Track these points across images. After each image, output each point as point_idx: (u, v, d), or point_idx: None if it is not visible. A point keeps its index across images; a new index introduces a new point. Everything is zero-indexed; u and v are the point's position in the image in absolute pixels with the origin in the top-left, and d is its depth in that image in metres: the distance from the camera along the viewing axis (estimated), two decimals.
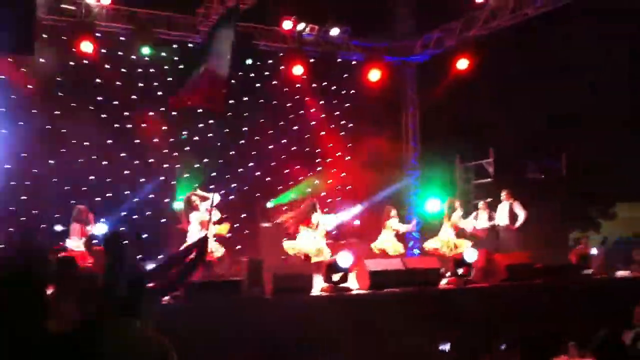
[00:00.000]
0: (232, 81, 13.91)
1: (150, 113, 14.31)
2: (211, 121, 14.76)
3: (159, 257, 11.64)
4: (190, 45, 14.68)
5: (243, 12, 13.18)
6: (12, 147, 12.81)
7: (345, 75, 16.78)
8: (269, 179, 15.51)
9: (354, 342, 8.61)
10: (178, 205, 12.66)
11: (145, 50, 13.81)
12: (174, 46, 14.58)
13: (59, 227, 11.07)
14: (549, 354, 7.81)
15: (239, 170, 15.17)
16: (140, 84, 14.35)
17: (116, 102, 14.05)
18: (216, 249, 10.14)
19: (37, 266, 4.00)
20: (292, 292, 9.38)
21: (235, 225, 13.31)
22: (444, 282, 10.95)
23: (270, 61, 15.84)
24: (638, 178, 15.98)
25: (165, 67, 14.42)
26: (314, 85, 16.23)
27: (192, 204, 10.33)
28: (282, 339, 8.27)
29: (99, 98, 13.89)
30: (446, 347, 8.76)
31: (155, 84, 14.44)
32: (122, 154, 13.87)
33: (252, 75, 15.52)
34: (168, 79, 14.44)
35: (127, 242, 5.13)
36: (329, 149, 16.43)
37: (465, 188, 16.84)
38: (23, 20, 6.70)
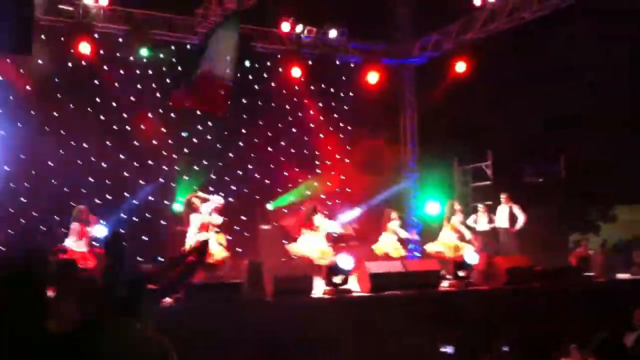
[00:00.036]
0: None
1: (149, 114, 14.28)
2: (210, 123, 14.75)
3: (158, 258, 11.63)
4: (188, 46, 14.67)
5: (241, 14, 13.18)
6: (11, 149, 12.76)
7: (343, 78, 16.78)
8: (268, 181, 15.48)
9: (355, 344, 8.60)
10: (177, 207, 12.62)
11: (144, 52, 13.77)
12: (172, 47, 14.55)
13: (58, 229, 10.99)
14: (550, 355, 7.78)
15: (238, 172, 15.12)
16: (139, 86, 14.30)
17: (115, 104, 14.00)
18: (218, 252, 10.09)
19: (37, 267, 3.96)
20: (293, 294, 9.36)
21: (235, 228, 13.30)
22: (445, 284, 10.94)
23: (268, 63, 15.82)
24: (638, 180, 15.97)
25: (164, 68, 14.40)
26: (312, 87, 16.20)
27: (193, 205, 10.28)
28: (282, 340, 8.25)
29: (97, 99, 13.85)
30: (449, 349, 8.72)
31: (154, 85, 14.42)
32: (121, 156, 13.83)
33: (250, 77, 15.51)
34: (166, 81, 14.43)
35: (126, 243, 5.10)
36: (327, 151, 16.41)
37: (463, 191, 16.84)
38: (21, 21, 6.67)
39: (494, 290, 10.86)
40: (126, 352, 3.67)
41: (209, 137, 14.87)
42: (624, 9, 14.47)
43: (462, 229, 12.44)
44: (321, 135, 16.36)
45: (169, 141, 14.44)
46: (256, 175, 15.45)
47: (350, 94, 16.82)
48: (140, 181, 13.94)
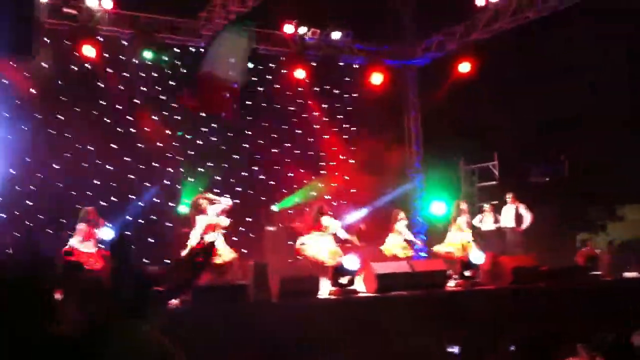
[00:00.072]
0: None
1: (154, 117, 14.30)
2: (214, 125, 14.77)
3: (164, 260, 11.63)
4: (192, 49, 14.70)
5: (245, 16, 13.23)
6: (17, 152, 12.78)
7: (347, 79, 16.80)
8: (272, 182, 15.49)
9: (361, 344, 8.58)
10: (183, 209, 12.63)
11: (148, 55, 13.80)
12: (176, 50, 14.57)
13: (64, 231, 11.00)
14: (557, 355, 7.76)
15: (243, 174, 15.13)
16: (143, 88, 14.33)
17: (119, 106, 14.03)
18: (226, 254, 10.09)
19: (43, 270, 3.96)
20: (299, 295, 9.35)
21: (240, 229, 13.30)
22: (451, 284, 10.93)
23: (272, 65, 15.84)
24: None
25: (168, 71, 14.43)
26: (316, 88, 16.21)
27: (200, 207, 10.27)
28: (289, 341, 8.23)
29: (101, 102, 13.88)
30: (455, 350, 8.70)
31: (158, 88, 14.44)
32: (126, 158, 13.85)
33: (254, 79, 15.52)
34: (170, 83, 14.46)
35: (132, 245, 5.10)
36: (331, 152, 16.42)
37: (469, 191, 16.84)
38: (21, 21, 6.66)
39: (500, 290, 10.83)
40: (133, 354, 3.67)
41: (213, 138, 14.88)
42: (624, 9, 14.44)
43: (465, 229, 12.44)
44: (325, 137, 16.36)
45: (174, 143, 14.47)
46: (261, 176, 15.45)
47: (354, 95, 16.83)
48: (146, 183, 13.97)
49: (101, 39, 13.53)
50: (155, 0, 14.06)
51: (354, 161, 16.52)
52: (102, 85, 13.88)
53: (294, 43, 15.34)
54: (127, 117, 14.12)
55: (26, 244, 12.14)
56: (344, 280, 9.88)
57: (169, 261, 11.64)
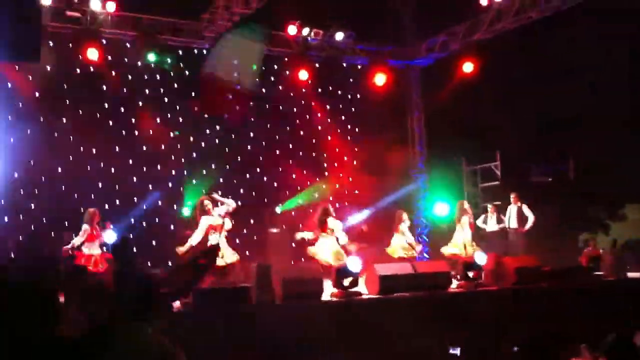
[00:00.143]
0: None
1: (157, 119, 14.34)
2: (217, 127, 14.81)
3: (168, 263, 11.66)
4: (195, 51, 14.73)
5: (248, 17, 13.24)
6: (21, 156, 12.82)
7: (350, 80, 16.81)
8: (276, 184, 15.51)
9: (364, 346, 8.59)
10: (186, 211, 12.67)
11: (151, 57, 13.83)
12: (180, 52, 14.60)
13: (67, 235, 11.03)
14: (560, 356, 7.76)
15: (246, 176, 15.15)
16: (147, 91, 14.37)
17: (122, 109, 14.07)
18: (229, 255, 10.11)
19: (47, 273, 3.99)
20: (302, 297, 9.36)
21: (243, 231, 13.33)
22: (454, 285, 10.93)
23: (275, 66, 15.86)
24: None
25: (172, 73, 14.46)
26: (319, 90, 16.22)
27: (204, 207, 10.31)
28: (291, 343, 8.24)
29: (105, 105, 13.92)
30: (456, 351, 8.71)
31: (162, 90, 14.48)
32: (130, 161, 13.90)
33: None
34: (174, 85, 14.50)
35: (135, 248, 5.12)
36: (335, 153, 16.43)
37: (472, 191, 16.82)
38: (29, 28, 6.70)
39: (503, 290, 10.84)
40: (134, 356, 3.69)
41: (216, 140, 14.91)
42: (631, 9, 14.42)
43: (467, 229, 12.44)
44: (328, 138, 16.37)
45: (177, 146, 14.50)
46: (264, 178, 15.48)
47: (357, 96, 16.85)
48: (149, 186, 13.99)
49: (104, 42, 13.56)
50: (158, 2, 14.08)
51: (356, 162, 16.53)
52: (106, 88, 13.91)
53: (297, 44, 15.35)
54: (131, 119, 14.16)
55: (29, 246, 12.18)
56: (346, 282, 9.90)
57: (171, 264, 11.67)
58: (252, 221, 14.43)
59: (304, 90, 15.96)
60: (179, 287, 4.93)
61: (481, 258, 11.18)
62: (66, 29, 13.19)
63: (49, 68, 13.10)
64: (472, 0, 14.62)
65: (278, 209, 14.68)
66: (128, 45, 14.00)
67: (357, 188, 16.17)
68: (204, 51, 14.65)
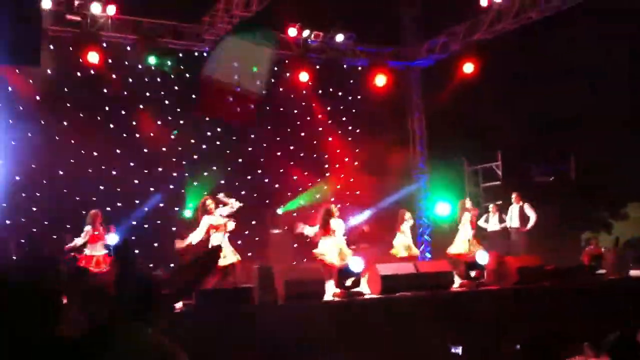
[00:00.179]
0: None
1: (158, 122, 14.37)
2: (219, 129, 14.82)
3: (169, 264, 11.68)
4: (195, 53, 14.75)
5: (249, 20, 13.26)
6: (22, 158, 12.84)
7: (350, 81, 16.81)
8: (277, 185, 15.52)
9: (366, 346, 8.60)
10: (187, 213, 12.68)
11: (151, 60, 13.85)
12: (180, 55, 14.62)
13: (69, 237, 11.05)
14: (563, 355, 7.76)
15: (247, 177, 15.16)
16: (147, 93, 14.38)
17: (123, 112, 14.09)
18: (230, 255, 10.13)
19: (48, 274, 3.99)
20: (305, 298, 9.36)
21: (245, 232, 13.33)
22: (456, 284, 10.94)
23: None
24: None
25: (172, 75, 14.48)
26: (319, 91, 16.24)
27: (207, 207, 10.34)
28: (292, 343, 8.24)
29: (106, 108, 13.94)
30: (458, 350, 8.72)
31: (162, 92, 14.50)
32: (131, 163, 13.91)
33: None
34: (175, 88, 14.52)
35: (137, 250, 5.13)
36: (336, 154, 16.44)
37: (474, 191, 16.82)
38: (29, 32, 6.71)
39: (505, 290, 10.83)
40: (137, 357, 3.70)
41: (218, 142, 14.92)
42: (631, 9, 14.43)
43: (468, 228, 12.45)
44: (329, 139, 16.38)
45: (178, 148, 14.52)
46: (265, 179, 15.49)
47: (358, 97, 16.84)
48: (150, 188, 14.01)
49: (105, 45, 13.58)
50: (158, 5, 14.11)
51: (357, 163, 16.53)
52: (106, 91, 13.93)
53: (297, 46, 15.37)
54: (131, 121, 14.18)
55: (31, 249, 12.19)
56: (348, 282, 9.90)
57: (173, 265, 11.69)
58: (253, 222, 14.43)
59: (304, 91, 15.98)
60: (180, 288, 4.94)
61: (483, 257, 11.18)
62: (66, 32, 13.21)
63: (49, 71, 13.10)
64: (472, 1, 14.64)
65: (279, 211, 14.68)
66: (128, 48, 14.01)
67: (358, 189, 16.17)
68: (205, 54, 14.67)
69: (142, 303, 4.03)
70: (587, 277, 11.66)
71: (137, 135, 14.23)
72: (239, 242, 11.19)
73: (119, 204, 13.50)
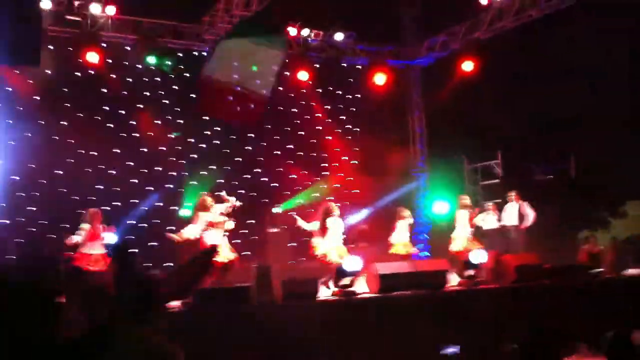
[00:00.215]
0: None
1: (157, 121, 14.38)
2: (218, 128, 14.83)
3: (167, 264, 11.69)
4: (195, 53, 14.76)
5: (248, 19, 13.27)
6: (21, 158, 12.85)
7: (350, 80, 16.82)
8: (276, 184, 15.53)
9: (365, 345, 8.62)
10: (185, 212, 12.70)
11: (151, 60, 13.87)
12: (180, 55, 14.64)
13: (67, 237, 11.05)
14: (560, 354, 7.78)
15: (246, 176, 15.17)
16: (147, 93, 14.40)
17: (123, 112, 14.11)
18: (227, 253, 10.16)
19: (47, 274, 4.02)
20: (302, 298, 9.39)
21: (243, 231, 13.35)
22: (454, 283, 10.96)
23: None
24: None
25: (171, 75, 14.50)
26: (319, 90, 16.24)
27: (205, 204, 10.38)
28: (290, 343, 8.27)
29: (105, 107, 13.95)
30: (455, 350, 8.74)
31: (161, 92, 14.51)
32: (129, 163, 13.93)
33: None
34: (174, 88, 14.53)
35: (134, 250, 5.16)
36: (335, 153, 16.44)
37: (473, 189, 16.84)
38: (29, 32, 6.74)
39: (503, 288, 10.84)
40: (137, 357, 3.72)
41: (216, 142, 14.94)
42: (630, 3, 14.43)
43: (466, 225, 12.47)
44: (329, 138, 16.38)
45: (177, 147, 14.53)
46: (264, 178, 15.50)
47: (358, 96, 16.86)
48: (149, 187, 14.02)
49: (104, 45, 13.60)
50: (158, 5, 14.13)
51: (357, 162, 16.55)
52: (106, 91, 13.95)
53: (297, 45, 15.39)
54: (130, 121, 14.19)
55: (29, 249, 12.20)
56: (346, 281, 9.93)
57: (171, 265, 11.71)
58: (252, 221, 14.44)
59: (304, 90, 15.99)
60: (179, 287, 4.97)
61: (481, 256, 11.19)
62: (66, 32, 13.23)
63: (48, 71, 13.11)
64: (472, 0, 14.66)
65: (277, 209, 14.69)
66: (128, 48, 14.03)
67: (358, 187, 16.17)
68: (204, 53, 14.68)
69: (141, 303, 4.07)
70: (585, 276, 11.66)
71: (136, 135, 14.25)
72: (238, 240, 11.20)
73: (118, 204, 13.51)
